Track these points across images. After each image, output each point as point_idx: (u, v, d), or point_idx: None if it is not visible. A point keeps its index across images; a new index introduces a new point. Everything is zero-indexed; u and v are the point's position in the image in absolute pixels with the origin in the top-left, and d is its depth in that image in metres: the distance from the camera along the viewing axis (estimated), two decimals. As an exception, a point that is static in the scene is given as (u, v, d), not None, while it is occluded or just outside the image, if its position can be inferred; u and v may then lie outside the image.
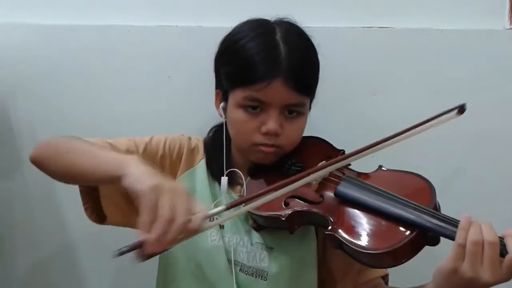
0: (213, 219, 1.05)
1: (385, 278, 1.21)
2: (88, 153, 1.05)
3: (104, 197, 1.13)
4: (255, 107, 1.13)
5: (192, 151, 1.24)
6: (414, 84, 1.45)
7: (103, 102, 1.48)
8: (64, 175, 1.09)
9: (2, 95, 1.48)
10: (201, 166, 1.23)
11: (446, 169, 1.45)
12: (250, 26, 1.18)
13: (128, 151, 1.16)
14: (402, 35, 1.44)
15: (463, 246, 0.94)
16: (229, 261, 1.16)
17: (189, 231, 0.91)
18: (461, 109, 1.03)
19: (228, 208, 0.98)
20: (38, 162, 1.12)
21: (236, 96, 1.14)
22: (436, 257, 1.01)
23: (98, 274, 1.53)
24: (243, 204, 1.05)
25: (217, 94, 1.22)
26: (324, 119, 1.34)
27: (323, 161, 1.14)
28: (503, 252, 0.93)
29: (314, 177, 1.08)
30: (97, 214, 1.15)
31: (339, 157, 1.09)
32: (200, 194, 1.21)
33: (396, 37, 1.44)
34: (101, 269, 1.51)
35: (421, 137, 1.45)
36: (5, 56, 1.46)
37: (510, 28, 1.43)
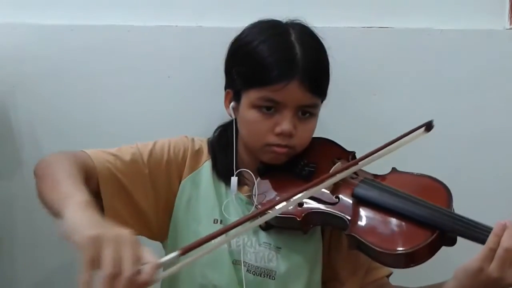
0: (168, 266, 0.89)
1: (388, 276, 1.22)
2: (52, 185, 1.00)
3: (107, 210, 1.13)
4: (269, 108, 1.14)
5: (196, 153, 1.24)
6: (414, 84, 1.45)
7: (103, 102, 1.48)
8: (47, 206, 1.05)
9: (2, 95, 1.48)
10: (205, 168, 1.23)
11: (446, 169, 1.44)
12: (262, 26, 1.19)
13: (133, 160, 1.16)
14: (402, 35, 1.44)
15: (493, 250, 0.96)
16: (236, 262, 1.16)
17: (140, 284, 0.80)
18: (428, 127, 1.03)
19: (181, 255, 0.85)
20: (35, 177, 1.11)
21: (251, 96, 1.14)
22: (445, 257, 1.02)
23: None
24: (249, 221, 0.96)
25: (227, 94, 1.22)
26: (324, 119, 1.34)
27: (338, 163, 1.16)
28: None
29: (330, 183, 1.07)
30: None
31: (353, 161, 1.10)
32: (205, 196, 1.21)
33: (396, 37, 1.44)
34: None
35: (420, 137, 1.46)
36: (5, 56, 1.46)
37: (510, 28, 1.43)
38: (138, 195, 1.16)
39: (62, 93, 1.48)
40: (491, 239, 0.96)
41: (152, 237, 1.23)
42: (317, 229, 1.19)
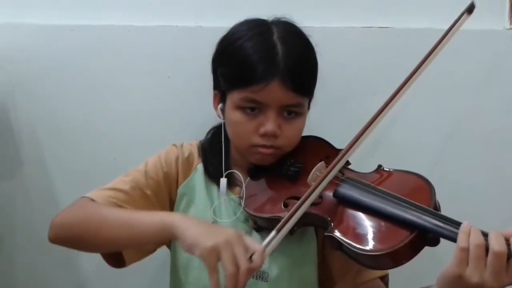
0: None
1: (384, 278, 1.20)
2: (122, 224, 1.06)
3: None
4: (253, 109, 1.13)
5: (187, 160, 1.23)
6: (414, 84, 1.45)
7: (103, 102, 1.48)
8: (103, 250, 1.12)
9: (2, 95, 1.48)
10: (198, 171, 1.23)
11: (445, 169, 1.45)
12: (247, 26, 1.17)
13: (133, 187, 1.16)
14: (402, 35, 1.44)
15: (465, 250, 0.92)
16: None
17: (254, 270, 0.95)
18: (470, 9, 1.08)
19: (278, 231, 1.01)
20: (64, 244, 1.13)
21: (234, 97, 1.14)
22: (435, 257, 1.01)
23: (98, 274, 1.53)
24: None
25: (215, 95, 1.22)
26: (324, 119, 1.34)
27: (321, 162, 1.14)
28: (509, 254, 0.91)
29: (325, 183, 1.08)
30: (115, 260, 1.16)
31: (339, 155, 1.09)
32: (198, 199, 1.21)
33: (396, 37, 1.44)
34: (101, 269, 1.51)
35: (420, 137, 1.46)
36: (5, 56, 1.46)
37: (510, 28, 1.43)
38: None
39: (62, 93, 1.48)
40: (460, 238, 0.92)
41: (166, 245, 1.25)
42: (310, 230, 1.18)
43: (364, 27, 1.44)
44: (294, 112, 1.15)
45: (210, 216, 1.19)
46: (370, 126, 1.11)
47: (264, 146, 1.14)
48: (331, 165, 1.09)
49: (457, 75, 1.44)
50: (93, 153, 1.49)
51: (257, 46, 1.12)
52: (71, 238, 1.11)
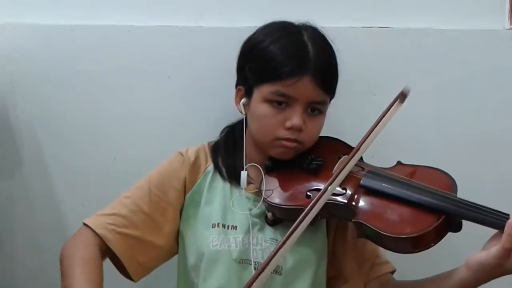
0: None
1: (392, 273, 1.24)
2: None
3: (129, 267, 1.18)
4: (280, 103, 1.17)
5: (194, 165, 1.25)
6: (414, 84, 1.45)
7: (103, 102, 1.48)
8: None
9: (2, 95, 1.48)
10: (206, 175, 1.25)
11: (445, 169, 1.45)
12: (275, 27, 1.22)
13: (132, 210, 1.18)
14: (402, 35, 1.44)
15: (509, 250, 0.97)
16: (242, 261, 1.17)
17: None
18: (402, 97, 1.12)
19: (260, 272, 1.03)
20: None
21: (263, 91, 1.17)
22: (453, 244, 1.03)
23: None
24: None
25: (238, 91, 1.24)
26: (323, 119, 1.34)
27: (344, 156, 1.18)
28: None
29: (345, 173, 1.11)
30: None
31: (358, 144, 1.12)
32: (205, 202, 1.22)
33: (396, 37, 1.44)
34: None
35: (420, 137, 1.46)
36: (5, 56, 1.46)
37: (510, 28, 1.43)
38: (150, 236, 1.19)
39: (62, 93, 1.48)
40: (505, 240, 0.96)
41: (176, 253, 1.26)
42: (322, 223, 1.21)
43: (364, 27, 1.44)
44: (318, 109, 1.19)
45: (221, 217, 1.20)
46: (387, 114, 1.14)
47: (288, 139, 1.17)
48: (353, 151, 1.12)
49: (457, 75, 1.44)
50: (93, 153, 1.49)
51: (289, 44, 1.17)
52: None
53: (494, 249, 0.98)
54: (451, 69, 1.44)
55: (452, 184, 1.11)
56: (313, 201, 1.07)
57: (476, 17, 1.41)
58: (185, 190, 1.23)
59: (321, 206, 1.07)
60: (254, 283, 1.02)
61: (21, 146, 1.50)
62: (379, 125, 1.12)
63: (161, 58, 1.46)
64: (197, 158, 1.25)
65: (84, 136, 1.49)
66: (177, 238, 1.24)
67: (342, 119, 1.42)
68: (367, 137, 1.11)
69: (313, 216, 1.05)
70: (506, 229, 0.97)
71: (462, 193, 1.44)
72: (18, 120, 1.49)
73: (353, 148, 1.21)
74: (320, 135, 1.24)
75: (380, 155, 1.42)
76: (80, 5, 1.47)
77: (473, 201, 1.43)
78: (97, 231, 1.15)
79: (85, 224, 1.17)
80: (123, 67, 1.46)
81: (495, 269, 0.99)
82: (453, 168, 1.44)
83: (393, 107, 1.13)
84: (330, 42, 1.22)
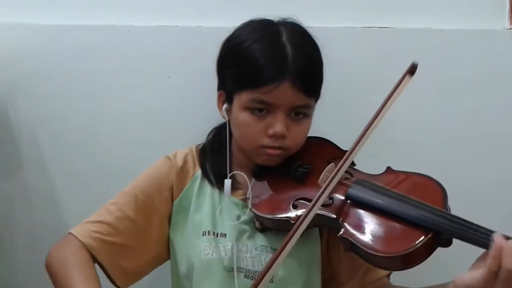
0: None
1: (388, 275, 1.20)
2: None
3: (112, 273, 1.17)
4: (261, 109, 1.12)
5: (181, 171, 1.22)
6: (414, 84, 1.45)
7: (103, 102, 1.48)
8: None
9: (2, 95, 1.48)
10: (194, 181, 1.22)
11: (445, 169, 1.45)
12: (254, 27, 1.17)
13: (118, 218, 1.16)
14: (402, 35, 1.44)
15: (495, 273, 0.91)
16: (231, 269, 1.15)
17: None
18: (412, 70, 1.08)
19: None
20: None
21: (242, 98, 1.13)
22: (439, 257, 1.02)
23: (98, 274, 1.53)
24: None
25: (220, 95, 1.21)
26: (323, 119, 1.34)
27: (331, 164, 1.14)
28: None
29: (334, 183, 1.07)
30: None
31: (347, 153, 1.09)
32: (195, 209, 1.20)
33: (396, 37, 1.44)
34: (101, 270, 1.51)
35: (420, 137, 1.46)
36: (5, 56, 1.46)
37: (510, 28, 1.43)
38: (136, 243, 1.18)
39: (62, 93, 1.48)
40: (491, 263, 0.90)
41: (166, 259, 1.25)
42: (314, 231, 1.18)
43: (364, 27, 1.44)
44: (302, 113, 1.15)
45: (210, 225, 1.18)
46: (375, 121, 1.10)
47: (272, 147, 1.13)
48: (340, 163, 1.08)
49: (457, 75, 1.44)
50: (93, 153, 1.49)
51: (266, 47, 1.12)
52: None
53: (480, 272, 0.92)
54: (451, 69, 1.44)
55: (442, 194, 1.06)
56: (299, 220, 1.02)
57: (476, 17, 1.41)
58: (172, 196, 1.21)
59: (308, 222, 1.03)
60: None
61: (21, 146, 1.50)
62: (389, 101, 1.08)
63: (161, 58, 1.46)
64: (185, 163, 1.22)
65: (84, 136, 1.49)
66: (167, 246, 1.22)
67: (341, 119, 1.43)
68: (372, 122, 1.08)
69: (300, 234, 1.02)
70: (492, 252, 0.91)
71: (462, 193, 1.44)
72: (18, 120, 1.49)
73: (342, 150, 1.19)
74: (313, 135, 1.23)
75: (380, 155, 1.43)
76: (80, 5, 1.47)
77: (472, 200, 1.44)
78: (82, 240, 1.13)
79: (70, 233, 1.16)
80: (123, 67, 1.46)
81: None
82: (453, 168, 1.46)
83: (403, 81, 1.08)
84: (313, 38, 1.17)
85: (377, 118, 1.09)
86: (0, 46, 1.46)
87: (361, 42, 1.44)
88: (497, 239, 0.91)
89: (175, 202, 1.21)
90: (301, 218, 1.03)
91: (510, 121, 1.45)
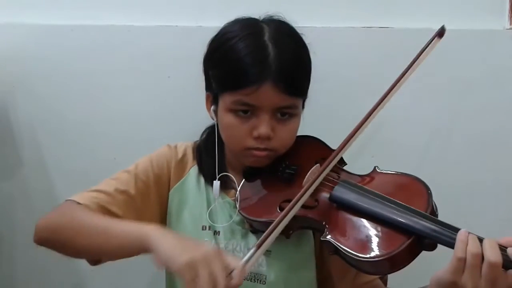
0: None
1: (383, 277, 1.20)
2: (99, 232, 1.04)
3: None
4: (245, 111, 1.10)
5: (180, 162, 1.22)
6: (414, 84, 1.45)
7: (103, 102, 1.48)
8: (82, 256, 1.11)
9: (2, 95, 1.48)
10: (192, 174, 1.22)
11: (445, 169, 1.45)
12: (238, 26, 1.15)
13: (118, 190, 1.14)
14: (402, 35, 1.44)
15: (462, 260, 0.91)
16: None
17: (234, 287, 0.92)
18: (441, 33, 1.07)
19: (259, 247, 0.97)
20: (48, 247, 1.12)
21: (226, 100, 1.12)
22: (431, 258, 1.01)
23: (98, 274, 1.53)
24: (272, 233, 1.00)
25: (207, 97, 1.20)
26: (323, 119, 1.35)
27: (316, 165, 1.13)
28: (507, 265, 0.90)
29: (315, 186, 1.06)
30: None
31: (332, 155, 1.08)
32: (192, 203, 1.20)
33: (396, 37, 1.44)
34: (101, 269, 1.51)
35: (420, 137, 1.46)
36: (5, 56, 1.46)
37: (510, 28, 1.43)
38: (131, 219, 1.14)
39: (62, 93, 1.48)
40: (458, 247, 0.91)
41: None
42: (307, 232, 1.17)
43: (364, 27, 1.44)
44: (288, 113, 1.12)
45: (206, 219, 1.18)
46: (361, 128, 1.09)
47: (258, 149, 1.12)
48: (322, 167, 1.08)
49: (457, 75, 1.44)
50: (93, 153, 1.49)
51: (248, 48, 1.09)
52: (53, 242, 1.11)
53: (449, 264, 0.92)
54: (451, 69, 1.44)
55: (427, 194, 1.04)
56: (277, 219, 1.01)
57: (476, 17, 1.41)
58: (169, 184, 1.21)
59: (286, 223, 1.01)
60: None
61: (21, 146, 1.50)
62: (414, 64, 1.10)
63: (161, 58, 1.46)
64: (184, 155, 1.23)
65: (84, 136, 1.49)
66: None
67: (341, 119, 1.42)
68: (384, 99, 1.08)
69: (277, 235, 1.00)
70: (459, 236, 0.92)
71: (462, 193, 1.45)
72: (18, 120, 1.49)
73: (332, 150, 1.17)
74: (315, 135, 1.22)
75: (379, 155, 1.43)
76: (80, 5, 1.47)
77: (472, 201, 1.44)
78: (80, 202, 1.11)
79: (67, 200, 1.14)
80: (123, 67, 1.47)
81: (452, 287, 0.92)
82: (453, 168, 1.46)
83: (432, 43, 1.08)
84: (299, 36, 1.15)
85: (390, 93, 1.11)
86: (0, 46, 1.46)
87: (361, 42, 1.44)
88: (463, 229, 0.94)
89: (171, 191, 1.20)
90: (278, 219, 1.01)
91: (510, 121, 1.45)
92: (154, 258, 0.95)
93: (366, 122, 1.10)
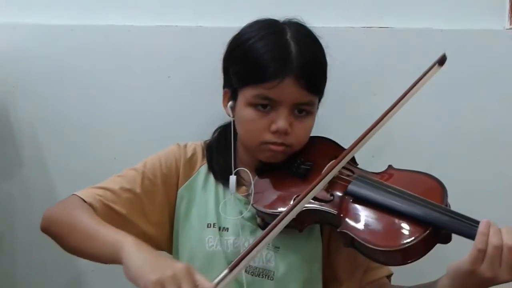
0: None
1: (389, 277, 1.21)
2: (86, 235, 1.06)
3: None
4: (265, 106, 1.13)
5: (189, 161, 1.23)
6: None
7: (103, 102, 1.48)
8: (75, 254, 1.12)
9: (2, 95, 1.48)
10: (201, 172, 1.23)
11: (445, 169, 1.45)
12: (259, 26, 1.19)
13: (123, 188, 1.16)
14: (402, 35, 1.44)
15: (483, 251, 0.94)
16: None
17: None
18: (441, 61, 1.08)
19: (231, 270, 0.95)
20: (48, 235, 1.15)
21: (246, 94, 1.14)
22: (442, 255, 1.02)
23: (98, 274, 1.53)
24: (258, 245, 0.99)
25: (225, 93, 1.22)
26: (323, 119, 1.34)
27: (334, 161, 1.14)
28: None
29: (327, 180, 1.07)
30: None
31: (346, 151, 1.10)
32: (200, 201, 1.21)
33: (396, 37, 1.44)
34: (101, 269, 1.51)
35: (420, 137, 1.46)
36: (5, 56, 1.46)
37: (510, 28, 1.43)
38: (136, 218, 1.17)
39: (62, 93, 1.48)
40: (479, 239, 0.95)
41: (165, 249, 1.24)
42: (316, 228, 1.19)
43: (364, 27, 1.44)
44: (305, 110, 1.16)
45: (212, 217, 1.19)
46: (378, 125, 1.11)
47: (275, 143, 1.14)
48: (337, 160, 1.09)
49: (457, 75, 1.44)
50: (93, 153, 1.49)
51: (271, 44, 1.14)
52: (52, 233, 1.14)
53: (468, 253, 0.95)
54: (451, 69, 1.43)
55: (442, 192, 1.07)
56: (288, 207, 1.02)
57: (476, 17, 1.42)
58: (178, 183, 1.22)
59: (296, 213, 1.02)
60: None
61: (21, 146, 1.50)
62: (413, 88, 1.11)
63: (161, 58, 1.46)
64: (193, 154, 1.24)
65: (84, 136, 1.49)
66: (167, 234, 1.22)
67: (341, 120, 1.43)
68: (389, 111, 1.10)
69: (287, 223, 1.00)
70: (480, 227, 0.95)
71: (462, 193, 1.44)
72: (18, 120, 1.49)
73: (345, 149, 1.18)
74: (315, 135, 1.23)
75: (379, 154, 1.43)
76: (80, 5, 1.47)
77: (472, 201, 1.44)
78: (85, 199, 1.12)
79: (73, 194, 1.15)
80: (123, 67, 1.47)
81: (470, 276, 0.96)
82: (453, 167, 1.46)
83: (432, 70, 1.10)
84: (317, 38, 1.19)
85: (395, 108, 1.12)
86: (0, 46, 1.46)
87: (361, 42, 1.44)
88: (484, 220, 0.96)
89: (179, 190, 1.22)
90: (291, 205, 1.02)
91: (510, 120, 1.45)
92: (124, 272, 0.96)
93: (383, 121, 1.13)
